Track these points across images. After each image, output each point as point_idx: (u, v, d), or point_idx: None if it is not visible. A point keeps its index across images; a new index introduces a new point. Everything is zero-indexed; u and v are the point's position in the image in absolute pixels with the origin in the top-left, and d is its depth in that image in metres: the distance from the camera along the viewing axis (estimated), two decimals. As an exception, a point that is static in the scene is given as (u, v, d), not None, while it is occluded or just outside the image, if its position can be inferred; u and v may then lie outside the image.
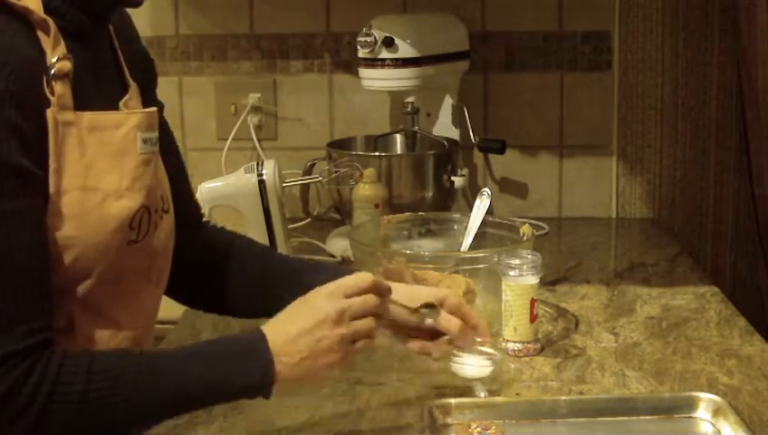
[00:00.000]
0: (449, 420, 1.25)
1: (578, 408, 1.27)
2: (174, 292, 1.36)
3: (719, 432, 1.22)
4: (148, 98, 1.29)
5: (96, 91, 1.13)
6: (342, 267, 1.44)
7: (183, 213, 1.33)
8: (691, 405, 1.27)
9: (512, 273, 1.46)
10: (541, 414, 1.26)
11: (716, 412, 1.24)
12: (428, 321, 1.24)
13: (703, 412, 1.26)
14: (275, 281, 1.34)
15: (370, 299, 1.16)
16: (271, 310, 1.25)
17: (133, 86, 1.22)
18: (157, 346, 1.53)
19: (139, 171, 1.11)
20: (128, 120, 1.12)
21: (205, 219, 1.44)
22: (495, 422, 1.23)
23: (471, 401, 1.28)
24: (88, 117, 1.07)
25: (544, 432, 1.25)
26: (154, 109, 1.17)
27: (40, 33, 1.05)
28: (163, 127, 1.32)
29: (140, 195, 1.11)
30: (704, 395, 1.27)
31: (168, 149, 1.31)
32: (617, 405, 1.27)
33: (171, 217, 1.23)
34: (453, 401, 1.27)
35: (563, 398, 1.30)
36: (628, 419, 1.26)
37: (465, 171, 2.09)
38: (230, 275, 1.35)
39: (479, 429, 1.20)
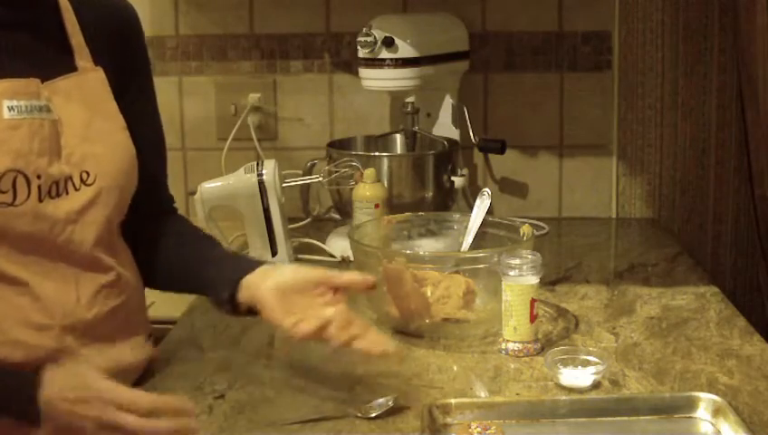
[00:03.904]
0: (449, 420, 1.25)
1: (578, 408, 1.27)
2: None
3: (719, 432, 1.22)
4: (129, 82, 1.38)
5: (2, 67, 1.21)
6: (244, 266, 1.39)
7: (147, 200, 1.41)
8: (691, 405, 1.27)
9: (512, 273, 1.46)
10: (541, 414, 1.26)
11: (716, 412, 1.24)
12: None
13: (703, 412, 1.26)
14: (189, 268, 1.42)
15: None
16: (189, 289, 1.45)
17: (88, 68, 1.31)
18: (156, 346, 1.53)
19: (5, 135, 1.19)
20: None
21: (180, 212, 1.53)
22: (495, 422, 1.23)
23: (471, 401, 1.28)
24: None
25: (544, 432, 1.25)
26: (30, 79, 1.24)
27: None
28: (141, 115, 1.40)
29: (7, 158, 1.19)
30: (704, 395, 1.27)
31: (139, 135, 1.37)
32: (617, 405, 1.27)
33: (98, 190, 1.28)
34: (453, 401, 1.27)
35: (563, 398, 1.30)
36: (627, 419, 1.26)
37: (465, 171, 2.09)
38: (160, 254, 1.44)
39: (479, 429, 1.20)
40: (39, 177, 1.21)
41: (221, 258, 1.42)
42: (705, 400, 1.27)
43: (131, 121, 1.36)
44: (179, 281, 1.44)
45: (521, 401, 1.29)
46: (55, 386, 1.14)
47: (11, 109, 1.20)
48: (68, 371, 1.18)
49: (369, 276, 1.35)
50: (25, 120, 1.21)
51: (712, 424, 1.24)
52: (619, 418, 1.26)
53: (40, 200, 1.22)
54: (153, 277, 1.44)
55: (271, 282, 1.32)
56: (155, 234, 1.45)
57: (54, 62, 1.28)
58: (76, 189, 1.26)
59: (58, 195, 1.24)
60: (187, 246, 1.45)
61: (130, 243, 1.41)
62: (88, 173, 1.27)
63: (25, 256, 1.22)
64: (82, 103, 1.29)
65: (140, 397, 1.14)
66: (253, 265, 1.37)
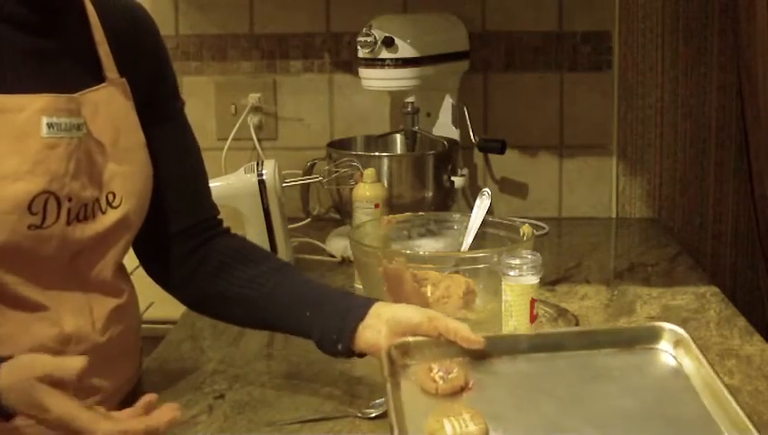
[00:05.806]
0: (408, 361, 1.21)
1: (538, 343, 1.23)
2: (179, 293, 1.39)
3: (680, 366, 1.19)
4: (158, 96, 1.32)
5: (30, 77, 1.14)
6: (350, 311, 1.29)
7: (188, 216, 1.35)
8: (653, 336, 1.23)
9: (512, 273, 1.45)
10: (502, 350, 1.22)
11: (678, 344, 1.21)
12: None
13: (665, 344, 1.22)
14: (279, 311, 1.32)
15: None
16: (275, 329, 1.36)
17: (115, 80, 1.24)
18: (156, 347, 1.54)
19: (42, 155, 1.12)
20: (32, 103, 1.13)
21: (225, 226, 1.43)
22: (457, 362, 1.18)
23: (429, 341, 1.23)
24: None
25: (505, 368, 1.21)
26: (69, 95, 1.17)
27: None
28: (174, 128, 1.35)
29: (42, 179, 1.12)
30: (666, 325, 1.24)
31: (171, 151, 1.33)
32: (578, 339, 1.24)
33: (125, 213, 1.23)
34: (411, 339, 1.23)
35: (523, 333, 1.28)
36: (588, 352, 1.22)
37: (465, 171, 2.09)
38: (239, 287, 1.34)
39: (441, 373, 1.16)
40: (70, 200, 1.15)
41: (321, 301, 1.30)
42: (668, 331, 1.23)
43: (165, 129, 1.31)
44: (266, 321, 1.35)
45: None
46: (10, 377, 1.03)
47: (50, 126, 1.13)
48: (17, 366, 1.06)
49: (478, 339, 1.22)
50: (63, 140, 1.14)
51: (674, 357, 1.21)
52: (580, 351, 1.22)
53: (68, 224, 1.16)
54: (221, 310, 1.38)
55: (385, 330, 1.24)
56: (218, 258, 1.35)
57: (83, 71, 1.21)
58: (103, 212, 1.20)
59: (85, 218, 1.18)
60: (276, 280, 1.33)
61: (170, 261, 1.34)
62: (114, 195, 1.21)
63: (46, 281, 1.16)
64: (110, 118, 1.22)
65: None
66: (356, 310, 1.27)
